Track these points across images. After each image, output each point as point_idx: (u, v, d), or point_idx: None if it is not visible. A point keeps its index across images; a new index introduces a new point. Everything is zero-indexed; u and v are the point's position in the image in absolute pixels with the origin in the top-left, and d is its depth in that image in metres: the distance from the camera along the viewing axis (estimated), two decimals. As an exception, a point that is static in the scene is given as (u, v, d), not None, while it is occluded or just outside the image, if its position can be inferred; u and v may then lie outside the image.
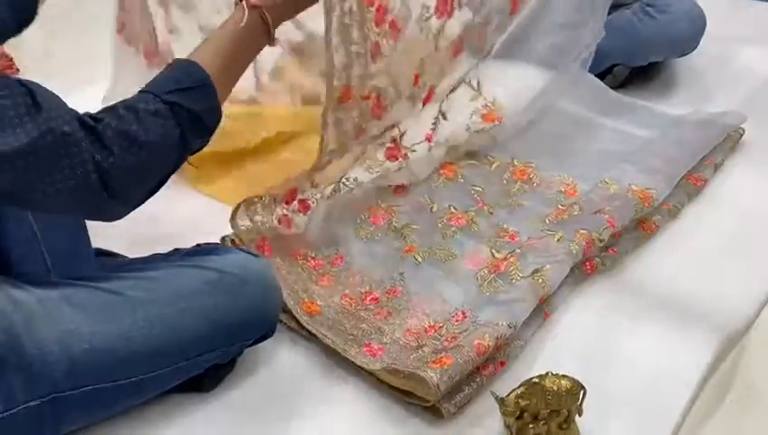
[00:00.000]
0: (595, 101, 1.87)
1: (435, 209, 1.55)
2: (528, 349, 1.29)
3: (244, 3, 1.07)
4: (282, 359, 1.26)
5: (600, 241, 1.43)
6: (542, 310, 1.33)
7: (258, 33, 1.09)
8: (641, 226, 1.54)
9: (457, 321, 1.28)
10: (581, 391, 1.11)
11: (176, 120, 0.98)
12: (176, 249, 1.19)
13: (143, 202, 1.03)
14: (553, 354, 1.28)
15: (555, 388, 1.09)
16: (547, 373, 1.11)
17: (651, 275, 1.46)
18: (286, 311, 1.29)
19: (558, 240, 1.42)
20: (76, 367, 1.02)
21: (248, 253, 1.22)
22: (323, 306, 1.32)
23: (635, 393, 1.21)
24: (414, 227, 1.50)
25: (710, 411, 1.23)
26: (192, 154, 1.05)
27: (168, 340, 1.09)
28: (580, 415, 1.13)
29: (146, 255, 1.19)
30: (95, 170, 0.92)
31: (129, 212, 1.02)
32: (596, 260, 1.44)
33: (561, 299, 1.38)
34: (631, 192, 1.54)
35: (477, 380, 1.20)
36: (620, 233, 1.48)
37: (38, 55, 1.58)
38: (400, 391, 1.19)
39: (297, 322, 1.30)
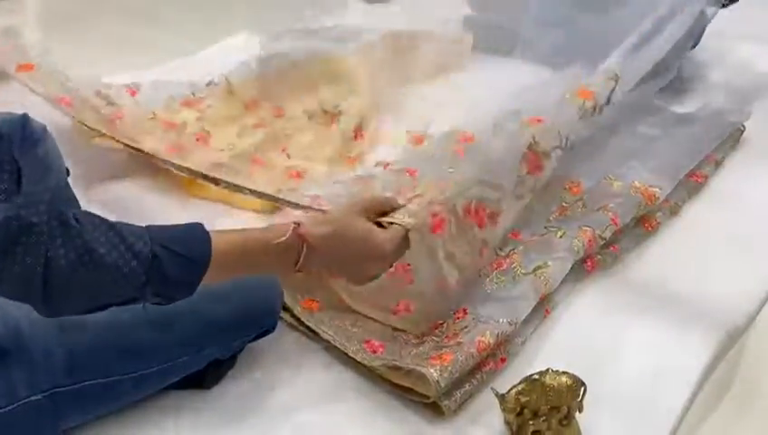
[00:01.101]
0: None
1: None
2: (528, 346, 1.29)
3: (294, 224, 1.04)
4: (283, 355, 1.26)
5: (602, 239, 1.44)
6: (543, 307, 1.34)
7: (287, 257, 1.03)
8: (642, 223, 1.54)
9: (458, 318, 1.27)
10: (582, 388, 1.12)
11: (147, 270, 0.91)
12: None
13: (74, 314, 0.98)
14: (554, 351, 1.28)
15: (555, 384, 1.10)
16: (547, 370, 1.11)
17: (652, 273, 1.46)
18: (287, 308, 1.30)
19: (560, 237, 1.42)
20: (77, 361, 1.02)
21: None
22: (323, 303, 1.32)
23: (635, 390, 1.21)
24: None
25: (710, 409, 1.24)
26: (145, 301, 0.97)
27: (169, 335, 1.09)
28: (580, 411, 1.13)
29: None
30: (43, 265, 0.86)
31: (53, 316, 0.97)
32: (597, 257, 1.45)
33: (562, 296, 1.38)
34: (634, 189, 1.55)
35: (478, 376, 1.20)
36: (622, 230, 1.48)
37: (38, 51, 1.59)
38: (400, 387, 1.19)
39: (298, 319, 1.30)
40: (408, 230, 1.15)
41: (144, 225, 0.96)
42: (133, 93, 1.80)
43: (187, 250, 0.94)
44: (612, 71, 1.61)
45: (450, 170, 1.46)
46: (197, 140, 1.74)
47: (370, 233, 1.10)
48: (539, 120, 1.49)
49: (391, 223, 1.14)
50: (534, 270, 1.35)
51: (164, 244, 0.93)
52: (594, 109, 1.52)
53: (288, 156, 1.74)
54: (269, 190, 1.49)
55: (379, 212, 1.16)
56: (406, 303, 1.27)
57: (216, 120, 1.81)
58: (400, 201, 1.21)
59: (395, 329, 1.27)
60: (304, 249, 1.04)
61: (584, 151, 1.68)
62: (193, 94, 1.87)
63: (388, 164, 1.61)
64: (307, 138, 1.79)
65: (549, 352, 1.28)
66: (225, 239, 0.99)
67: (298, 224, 1.04)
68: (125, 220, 0.95)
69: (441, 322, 1.28)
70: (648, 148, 1.71)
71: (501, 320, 1.24)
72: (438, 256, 1.19)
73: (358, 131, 1.81)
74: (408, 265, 1.24)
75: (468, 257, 1.24)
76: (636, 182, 1.56)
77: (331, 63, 1.93)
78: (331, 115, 1.85)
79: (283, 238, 1.02)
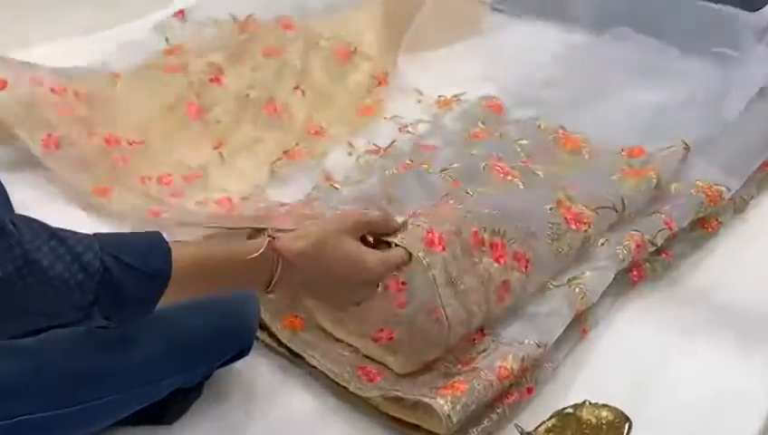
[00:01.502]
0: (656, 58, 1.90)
1: (474, 154, 1.58)
2: (561, 372, 1.26)
3: (268, 236, 1.04)
4: (259, 383, 1.24)
5: (653, 245, 1.40)
6: (580, 325, 1.30)
7: (258, 275, 1.03)
8: (700, 224, 1.51)
9: (475, 340, 1.24)
10: (626, 424, 1.10)
11: (97, 285, 0.90)
12: None
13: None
14: (592, 379, 1.25)
15: (594, 420, 1.09)
16: (584, 402, 1.11)
17: (710, 283, 1.44)
18: (264, 326, 1.27)
19: (602, 245, 1.39)
20: (6, 391, 1.00)
21: None
22: (307, 320, 1.30)
23: (692, 426, 1.18)
24: (455, 165, 1.53)
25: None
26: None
27: (122, 358, 1.07)
28: (624, 453, 1.09)
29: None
30: None
31: None
32: (645, 266, 1.41)
33: (603, 312, 1.35)
34: (696, 189, 1.51)
35: (498, 410, 1.17)
36: (676, 234, 1.45)
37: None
38: (403, 423, 1.16)
39: (277, 339, 1.27)
40: (410, 254, 1.13)
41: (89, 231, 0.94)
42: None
43: (142, 262, 0.93)
44: (679, 139, 1.57)
45: (473, 153, 1.56)
46: (211, 81, 1.83)
47: (360, 254, 1.09)
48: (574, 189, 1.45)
49: (388, 244, 1.13)
50: (569, 281, 1.31)
51: (116, 254, 0.91)
52: (658, 180, 1.49)
53: (303, 92, 1.84)
54: (289, 143, 1.72)
55: (374, 233, 1.14)
56: (389, 329, 1.25)
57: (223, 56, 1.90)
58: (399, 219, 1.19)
59: (373, 360, 1.25)
60: (279, 266, 1.03)
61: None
62: (167, 40, 1.96)
63: (406, 126, 1.73)
64: (318, 76, 1.90)
65: (586, 381, 1.25)
66: (186, 252, 0.98)
67: (273, 238, 1.03)
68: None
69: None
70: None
71: (527, 341, 1.20)
72: (435, 277, 1.15)
73: (383, 78, 1.91)
74: (404, 283, 1.23)
75: (478, 295, 1.20)
76: (698, 181, 1.52)
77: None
78: (345, 51, 1.94)
79: (256, 254, 1.01)
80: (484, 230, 1.23)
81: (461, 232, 1.21)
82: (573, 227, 1.34)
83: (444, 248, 1.18)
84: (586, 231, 1.36)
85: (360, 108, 1.85)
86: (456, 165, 1.53)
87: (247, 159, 1.70)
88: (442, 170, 1.53)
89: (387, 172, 1.57)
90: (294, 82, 1.86)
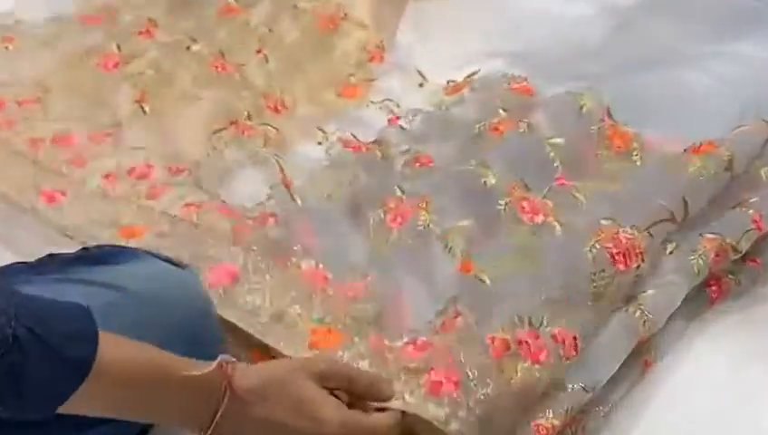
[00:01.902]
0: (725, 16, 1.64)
1: (490, 184, 1.31)
2: (617, 418, 1.13)
3: (223, 360, 0.94)
4: None
5: (737, 251, 1.24)
6: (641, 357, 1.15)
7: (201, 402, 0.93)
8: None
9: None
10: None
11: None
12: (50, 255, 1.04)
13: None
14: (656, 426, 1.13)
15: None
16: None
17: None
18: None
19: (671, 252, 1.21)
20: None
21: (167, 261, 1.08)
22: None
23: None
24: (465, 223, 1.26)
25: None
26: None
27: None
28: None
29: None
30: None
31: None
32: (727, 278, 1.26)
33: (671, 340, 1.21)
34: None
35: None
36: (766, 235, 1.28)
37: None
38: None
39: None
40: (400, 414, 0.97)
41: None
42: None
43: (60, 343, 0.83)
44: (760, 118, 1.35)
45: (487, 180, 1.29)
46: (140, 33, 1.66)
47: (318, 401, 0.95)
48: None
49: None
50: (627, 302, 1.16)
51: (31, 326, 0.82)
52: (730, 163, 1.27)
53: (266, 58, 1.64)
54: (239, 111, 1.47)
55: (357, 395, 1.00)
56: None
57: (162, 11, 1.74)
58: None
59: None
60: (226, 398, 0.92)
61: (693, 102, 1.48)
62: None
63: (397, 118, 1.49)
64: (291, 41, 1.69)
65: (648, 428, 1.12)
66: (119, 347, 0.88)
67: (227, 363, 0.94)
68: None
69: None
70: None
71: (570, 387, 1.05)
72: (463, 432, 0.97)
73: (377, 53, 1.70)
74: None
75: (525, 412, 1.03)
76: None
77: None
78: (331, 16, 1.73)
79: (204, 371, 0.92)
80: (503, 330, 1.06)
81: (473, 345, 1.05)
82: (622, 267, 1.15)
83: (457, 385, 1.01)
84: (638, 267, 1.17)
85: (341, 87, 1.62)
86: (466, 222, 1.23)
87: (179, 122, 1.47)
88: (446, 230, 1.25)
89: (371, 219, 1.27)
90: (257, 46, 1.64)
